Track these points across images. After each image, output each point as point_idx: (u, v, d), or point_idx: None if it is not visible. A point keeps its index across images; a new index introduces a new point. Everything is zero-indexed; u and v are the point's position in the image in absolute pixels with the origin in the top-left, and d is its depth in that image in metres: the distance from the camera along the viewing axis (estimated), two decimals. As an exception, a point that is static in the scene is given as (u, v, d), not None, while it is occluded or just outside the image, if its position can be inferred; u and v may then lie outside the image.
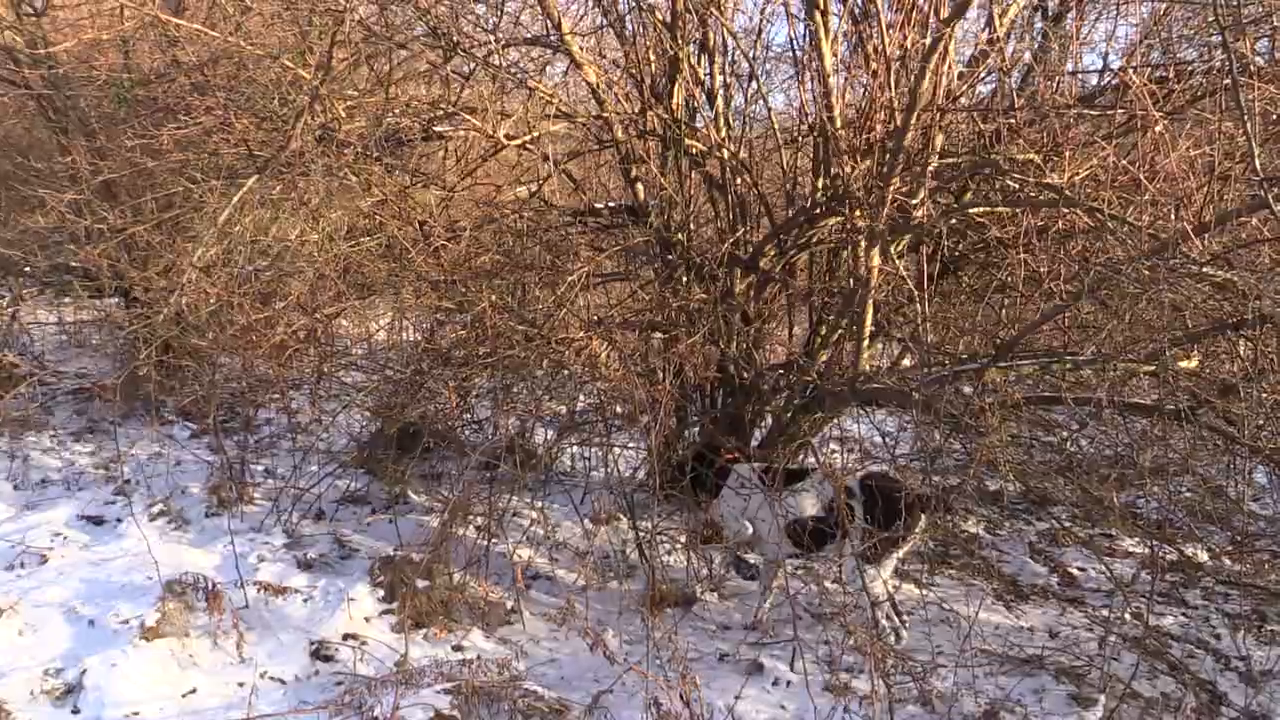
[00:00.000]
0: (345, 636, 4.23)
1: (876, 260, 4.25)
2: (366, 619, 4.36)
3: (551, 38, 4.81)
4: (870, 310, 4.40)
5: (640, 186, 5.43)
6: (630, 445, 6.02)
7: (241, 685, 3.85)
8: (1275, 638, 4.91)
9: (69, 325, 8.64)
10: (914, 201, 4.02)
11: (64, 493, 5.77)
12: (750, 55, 5.14)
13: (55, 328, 8.71)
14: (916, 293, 4.14)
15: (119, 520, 5.36)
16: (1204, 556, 5.82)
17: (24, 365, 7.82)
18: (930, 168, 4.22)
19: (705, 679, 4.14)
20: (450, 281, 4.44)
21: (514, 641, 4.44)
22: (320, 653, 4.11)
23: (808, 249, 5.21)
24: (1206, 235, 3.47)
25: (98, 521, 5.37)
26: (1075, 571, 5.69)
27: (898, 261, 4.38)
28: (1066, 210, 3.95)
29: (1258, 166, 3.12)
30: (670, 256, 5.44)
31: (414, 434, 5.91)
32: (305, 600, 4.45)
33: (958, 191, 4.54)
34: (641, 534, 5.17)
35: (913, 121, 3.81)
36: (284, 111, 3.98)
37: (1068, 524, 6.23)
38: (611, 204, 5.52)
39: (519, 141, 4.62)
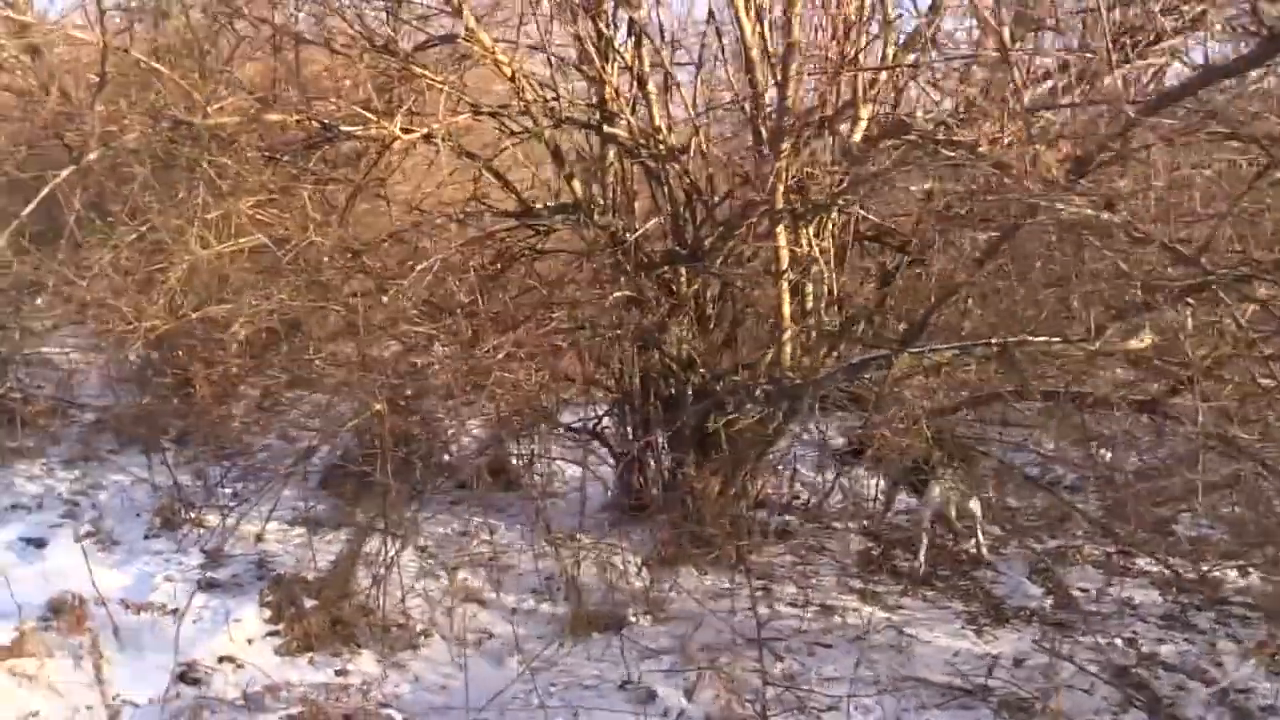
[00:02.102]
0: (221, 659, 3.99)
1: (783, 241, 3.82)
2: (249, 641, 4.12)
3: (459, 31, 4.56)
4: (785, 298, 3.97)
5: (576, 184, 5.13)
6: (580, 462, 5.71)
7: (90, 708, 3.64)
8: (1295, 667, 4.22)
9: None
10: (813, 175, 3.60)
11: (17, 515, 5.73)
12: (673, 38, 4.80)
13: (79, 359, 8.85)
14: (826, 272, 3.69)
15: (54, 542, 5.28)
16: (1234, 575, 5.11)
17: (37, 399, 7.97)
18: (839, 136, 3.79)
19: (591, 707, 3.75)
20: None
21: (408, 667, 4.13)
22: (187, 676, 3.87)
23: (748, 242, 4.80)
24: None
25: (39, 544, 5.29)
26: (1077, 593, 5.06)
27: (815, 242, 3.95)
28: (980, 174, 3.46)
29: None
30: (609, 257, 5.11)
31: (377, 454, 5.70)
32: (194, 622, 4.23)
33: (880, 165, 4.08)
34: (575, 553, 4.83)
35: (791, 74, 3.40)
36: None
37: (1080, 541, 5.62)
38: (550, 204, 5.22)
39: (415, 135, 4.37)
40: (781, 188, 3.61)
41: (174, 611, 4.30)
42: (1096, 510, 5.40)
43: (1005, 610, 4.79)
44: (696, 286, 5.06)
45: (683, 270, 5.00)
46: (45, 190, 3.60)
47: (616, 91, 4.93)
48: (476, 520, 5.60)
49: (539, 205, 5.18)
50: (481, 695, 3.91)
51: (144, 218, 3.93)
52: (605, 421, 5.76)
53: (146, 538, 5.28)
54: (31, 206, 3.59)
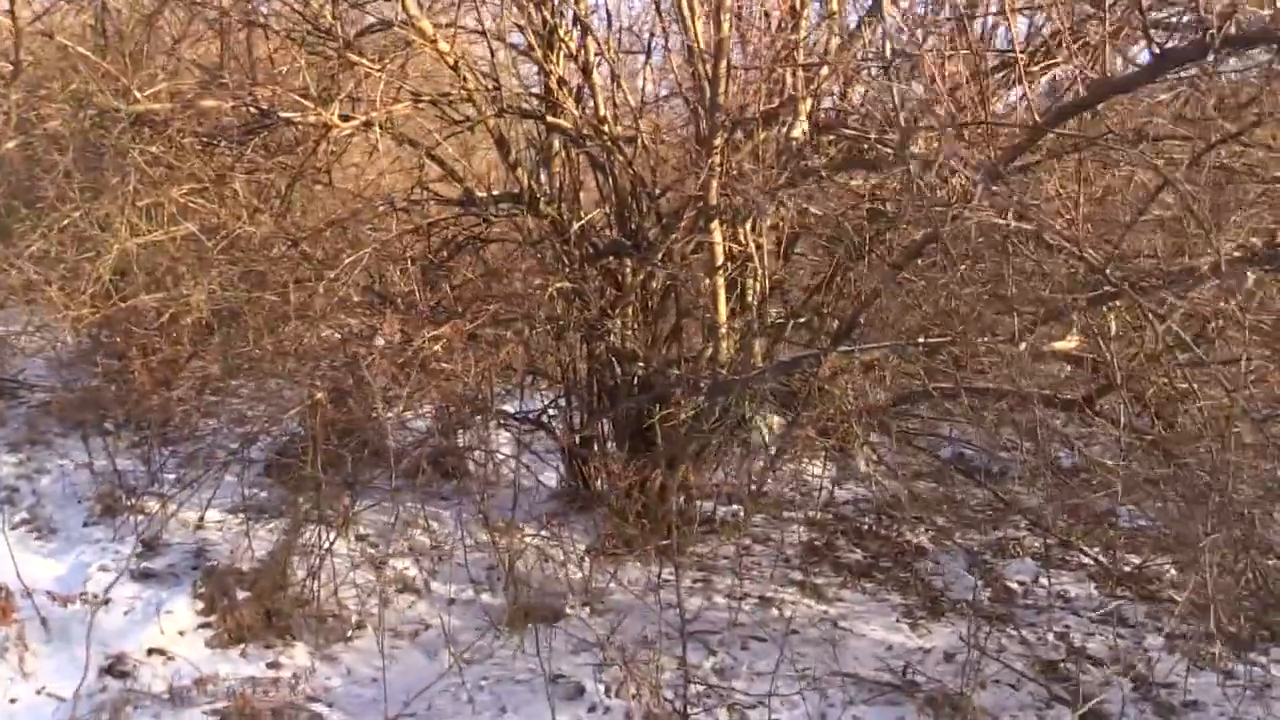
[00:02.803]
0: (150, 651, 3.96)
1: (717, 236, 3.81)
2: (181, 633, 4.09)
3: (399, 18, 4.51)
4: (721, 294, 3.96)
5: (520, 172, 5.10)
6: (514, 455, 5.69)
7: (14, 702, 3.61)
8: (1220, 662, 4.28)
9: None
10: (750, 168, 3.58)
11: (-46, 500, 5.66)
12: (620, 27, 4.77)
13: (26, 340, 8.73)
14: (761, 268, 3.69)
15: (-9, 529, 5.22)
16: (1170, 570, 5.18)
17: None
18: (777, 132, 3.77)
19: (518, 703, 3.76)
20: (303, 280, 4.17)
21: (341, 659, 4.12)
22: (115, 668, 3.84)
23: (690, 235, 4.79)
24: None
25: (-28, 529, 5.24)
26: (1014, 586, 5.11)
27: (753, 238, 3.94)
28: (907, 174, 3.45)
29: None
30: (558, 246, 5.09)
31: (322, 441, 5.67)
32: (125, 613, 4.20)
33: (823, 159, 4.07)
34: (514, 543, 4.82)
35: (722, 72, 3.38)
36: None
37: (1022, 534, 5.68)
38: (495, 192, 5.18)
39: (354, 123, 4.32)
40: (715, 183, 3.59)
41: (105, 602, 4.27)
42: (1035, 503, 5.46)
43: (942, 603, 4.83)
44: (641, 278, 5.04)
45: (628, 262, 4.98)
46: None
47: (561, 81, 4.89)
48: (415, 510, 5.58)
49: (482, 194, 5.13)
50: (411, 689, 3.91)
51: (72, 205, 3.86)
52: (550, 412, 5.74)
53: (85, 525, 5.23)
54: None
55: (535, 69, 5.01)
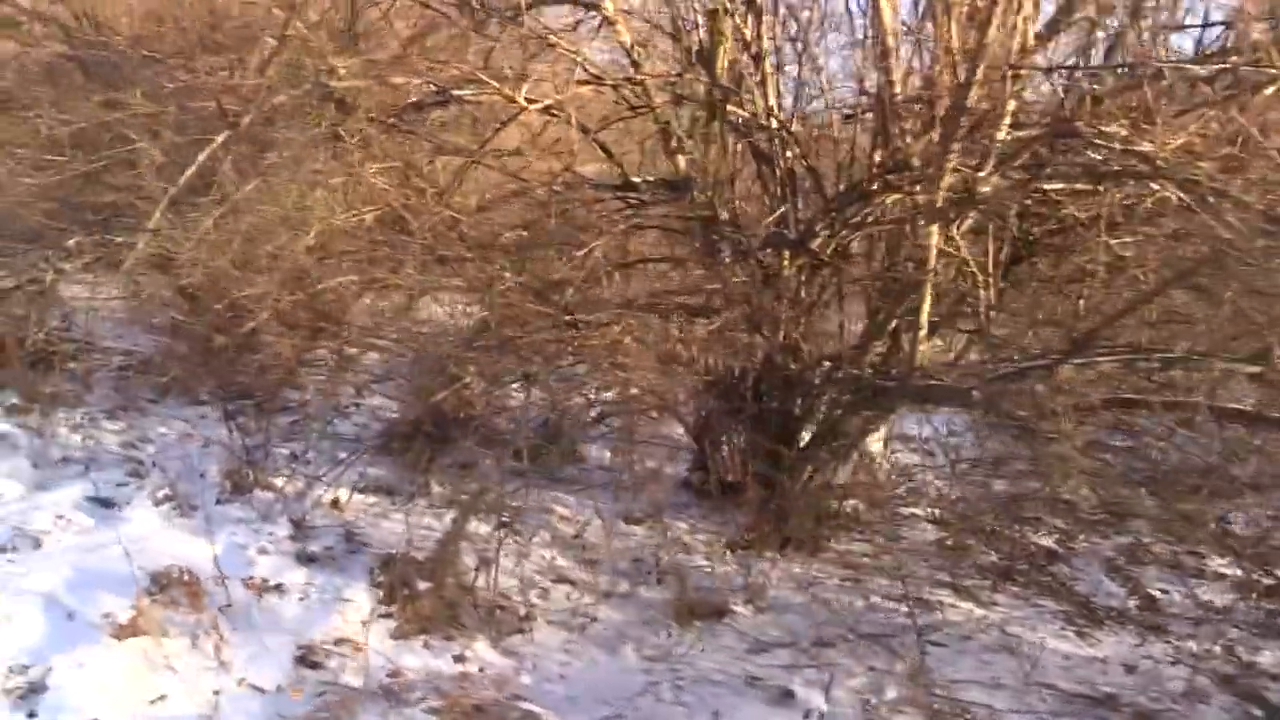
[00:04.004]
0: (337, 641, 3.89)
1: (935, 240, 3.74)
2: (363, 623, 4.01)
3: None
4: (928, 298, 3.90)
5: (681, 159, 5.01)
6: (656, 440, 5.63)
7: (217, 693, 3.53)
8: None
9: (114, 301, 8.49)
10: (980, 175, 3.50)
11: (80, 473, 5.55)
12: (800, 15, 4.66)
13: (100, 303, 8.57)
14: (981, 278, 3.62)
15: (128, 504, 5.12)
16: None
17: (67, 343, 7.71)
18: (1000, 136, 3.69)
19: (728, 706, 3.72)
20: (465, 258, 4.07)
21: (522, 653, 4.06)
22: (307, 659, 3.77)
23: (863, 229, 4.72)
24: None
25: (107, 504, 5.12)
26: (1156, 594, 5.11)
27: (960, 243, 3.87)
28: (1158, 185, 3.39)
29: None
30: (712, 236, 5.01)
31: (442, 421, 5.60)
32: (300, 599, 4.13)
33: (1030, 164, 4.00)
34: (671, 536, 4.78)
35: (977, 77, 3.30)
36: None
37: (1148, 540, 5.65)
38: (650, 178, 5.08)
39: (539, 105, 4.21)
40: (944, 184, 3.52)
41: (277, 587, 4.20)
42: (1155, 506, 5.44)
43: (1096, 610, 4.81)
44: (795, 271, 4.98)
45: (785, 255, 4.91)
46: (203, 155, 3.41)
47: (733, 68, 4.80)
48: (547, 496, 5.53)
49: (640, 179, 5.04)
50: (599, 687, 3.87)
51: (270, 181, 3.75)
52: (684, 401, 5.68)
53: (219, 502, 5.14)
54: (190, 172, 3.41)
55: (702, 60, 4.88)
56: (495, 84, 4.16)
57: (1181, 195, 3.34)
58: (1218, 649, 4.49)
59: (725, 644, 4.25)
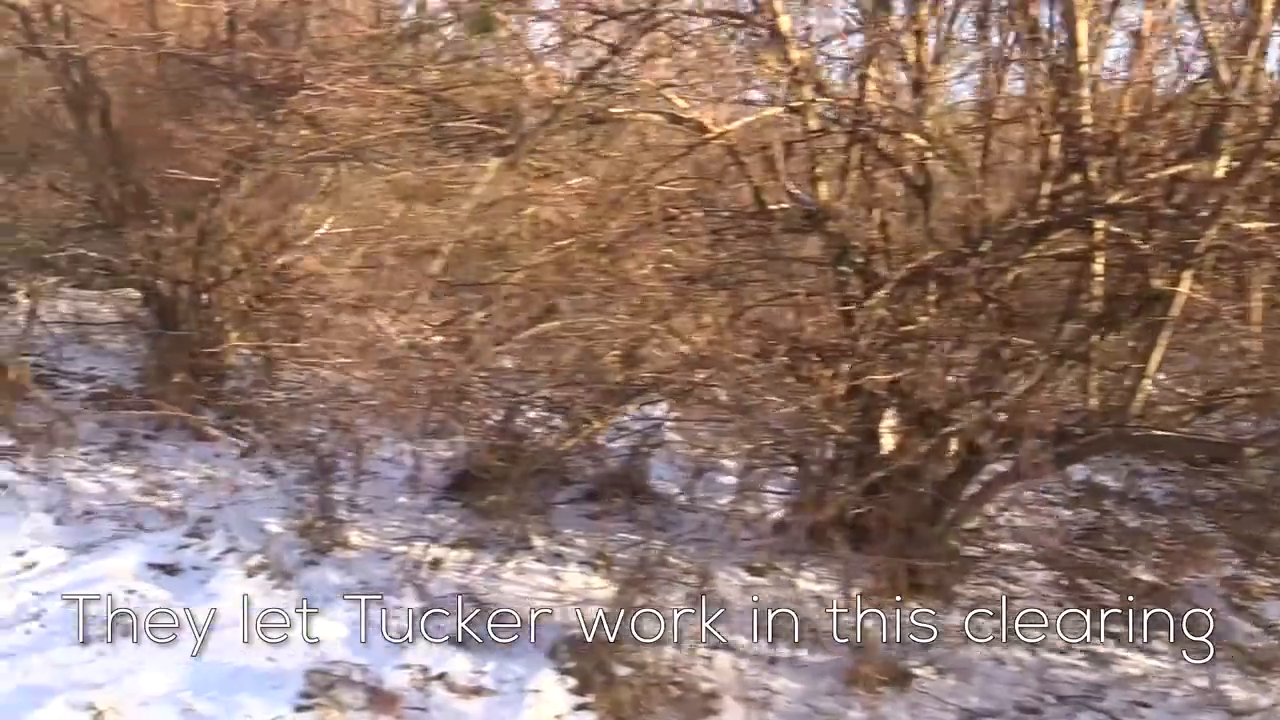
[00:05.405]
0: (544, 747, 3.40)
1: (1186, 286, 3.51)
2: (558, 717, 3.52)
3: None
4: (1164, 340, 3.67)
5: (824, 186, 4.66)
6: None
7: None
8: None
9: (80, 320, 7.61)
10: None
11: (119, 530, 4.83)
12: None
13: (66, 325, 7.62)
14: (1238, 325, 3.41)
15: (196, 569, 4.46)
16: None
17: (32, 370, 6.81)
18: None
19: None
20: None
21: (736, 739, 3.65)
22: (520, 771, 3.28)
23: (1024, 265, 4.48)
24: None
25: (171, 571, 4.45)
26: (1284, 630, 5.03)
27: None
28: None
29: None
30: (851, 268, 4.69)
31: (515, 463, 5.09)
32: (476, 692, 3.60)
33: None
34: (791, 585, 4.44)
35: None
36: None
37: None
38: (784, 205, 4.71)
39: (722, 131, 3.80)
40: (1214, 226, 3.28)
41: (440, 677, 3.65)
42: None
43: (1254, 653, 4.68)
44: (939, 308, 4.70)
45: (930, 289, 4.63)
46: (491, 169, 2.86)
47: (885, 91, 4.49)
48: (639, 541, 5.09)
49: (776, 206, 4.67)
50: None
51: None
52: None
53: (306, 565, 4.51)
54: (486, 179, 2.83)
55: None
56: (682, 102, 3.72)
57: None
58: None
59: (932, 715, 3.93)
